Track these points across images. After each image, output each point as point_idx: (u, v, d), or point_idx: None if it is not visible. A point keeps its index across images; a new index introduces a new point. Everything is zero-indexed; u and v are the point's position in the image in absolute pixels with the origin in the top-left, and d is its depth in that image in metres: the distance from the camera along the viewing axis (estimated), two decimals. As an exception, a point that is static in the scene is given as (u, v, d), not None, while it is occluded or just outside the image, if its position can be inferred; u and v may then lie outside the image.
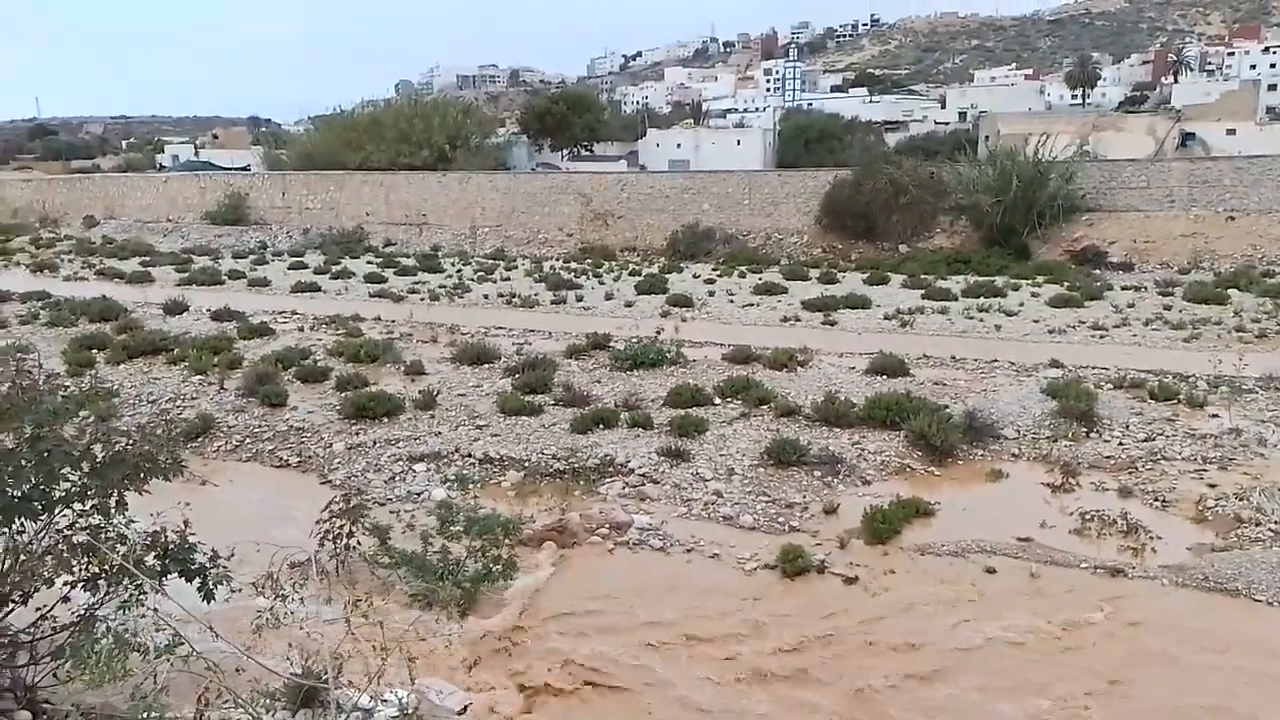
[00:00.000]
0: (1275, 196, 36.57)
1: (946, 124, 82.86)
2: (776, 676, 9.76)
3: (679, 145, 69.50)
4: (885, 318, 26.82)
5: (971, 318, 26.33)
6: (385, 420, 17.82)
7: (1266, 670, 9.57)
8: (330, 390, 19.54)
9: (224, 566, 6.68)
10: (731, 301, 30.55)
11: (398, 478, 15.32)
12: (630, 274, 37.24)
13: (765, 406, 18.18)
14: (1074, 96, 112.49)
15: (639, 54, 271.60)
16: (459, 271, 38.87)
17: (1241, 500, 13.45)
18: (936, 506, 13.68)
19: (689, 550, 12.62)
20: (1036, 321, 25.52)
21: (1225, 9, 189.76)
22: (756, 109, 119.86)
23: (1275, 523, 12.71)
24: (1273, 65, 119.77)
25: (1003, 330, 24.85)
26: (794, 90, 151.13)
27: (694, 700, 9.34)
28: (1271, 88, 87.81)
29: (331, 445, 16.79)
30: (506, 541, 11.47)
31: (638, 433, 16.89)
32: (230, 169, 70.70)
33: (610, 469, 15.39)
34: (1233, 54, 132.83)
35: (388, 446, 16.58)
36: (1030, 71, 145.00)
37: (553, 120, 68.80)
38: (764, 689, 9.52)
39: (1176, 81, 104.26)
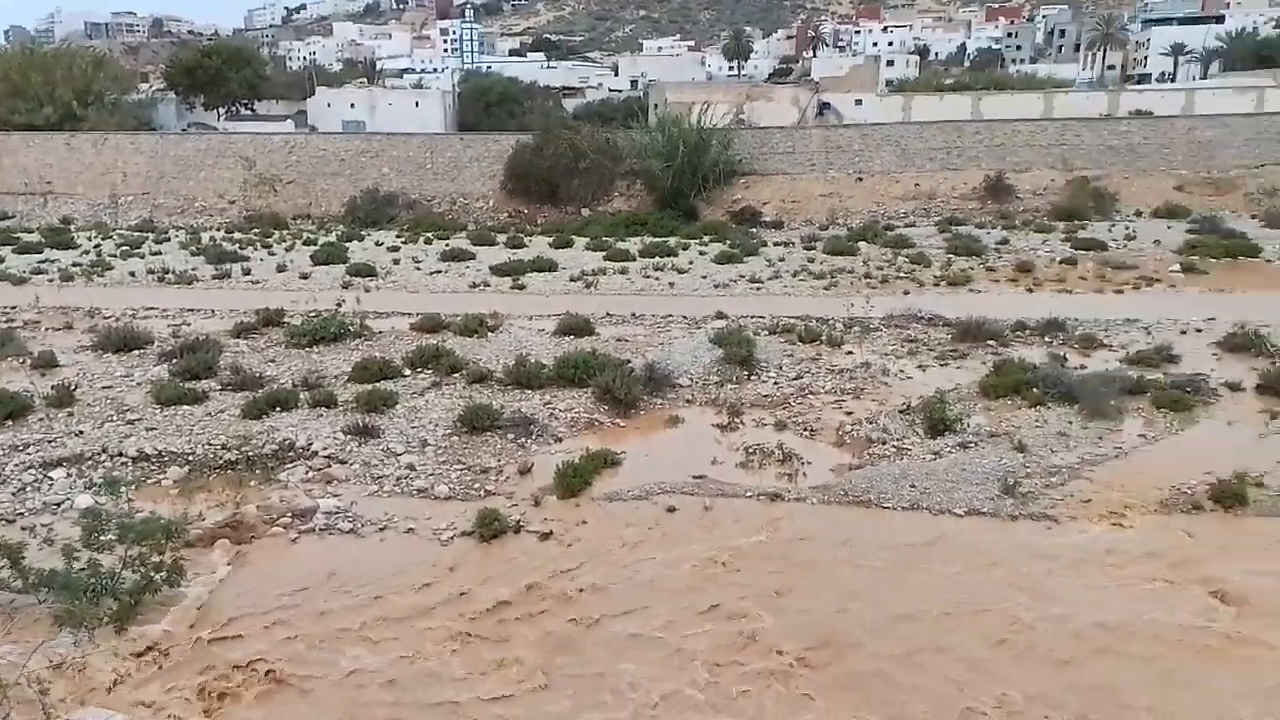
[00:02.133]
0: (893, 160, 42.30)
1: (620, 91, 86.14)
2: (477, 638, 9.86)
3: (353, 105, 66.04)
4: (571, 280, 27.61)
5: (648, 276, 27.87)
6: (8, 424, 15.40)
7: (886, 563, 11.25)
8: (-69, 394, 16.48)
9: None
10: (418, 269, 29.82)
11: (29, 488, 13.35)
12: (305, 243, 35.03)
13: (457, 374, 18.05)
14: (731, 68, 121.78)
15: (303, 6, 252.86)
16: (97, 247, 34.35)
17: (871, 424, 15.59)
18: (623, 456, 14.45)
19: (382, 529, 12.29)
20: (704, 277, 27.60)
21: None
22: (435, 70, 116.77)
23: (897, 441, 14.89)
24: (890, 44, 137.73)
25: (676, 287, 26.59)
26: (473, 52, 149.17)
27: (392, 677, 9.18)
28: (890, 63, 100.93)
29: (-62, 459, 14.21)
30: (170, 545, 10.42)
31: (320, 412, 16.06)
32: None
33: (291, 454, 14.52)
34: (859, 32, 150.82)
35: (14, 453, 14.36)
36: (693, 43, 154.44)
37: (205, 75, 62.36)
38: (464, 654, 9.58)
39: (815, 56, 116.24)
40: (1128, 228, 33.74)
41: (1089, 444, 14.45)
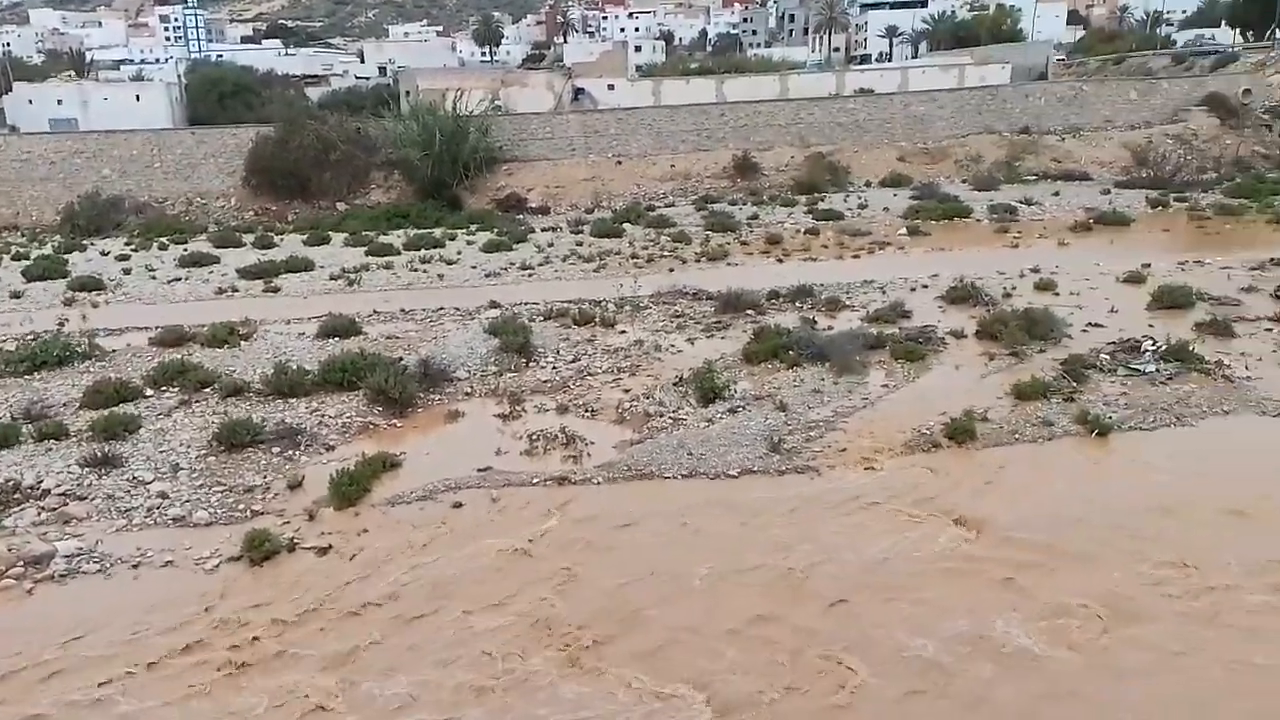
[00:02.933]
0: (649, 143, 43.59)
1: (368, 79, 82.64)
2: (257, 666, 9.22)
3: (61, 102, 58.72)
4: (331, 278, 26.27)
5: (416, 270, 27.06)
6: None
7: (672, 531, 11.67)
8: None
9: None
10: (154, 278, 27.23)
11: None
12: (15, 258, 30.94)
13: (208, 389, 16.71)
14: (483, 54, 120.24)
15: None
16: None
17: (648, 399, 16.06)
18: (403, 457, 13.99)
19: (136, 566, 11.16)
20: (474, 267, 27.20)
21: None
22: (157, 60, 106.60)
23: (673, 413, 15.44)
24: (637, 29, 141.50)
25: (446, 278, 26.02)
26: (199, 40, 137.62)
27: (161, 726, 8.39)
28: (638, 48, 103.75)
29: None
30: None
31: (50, 446, 14.33)
32: None
33: (16, 495, 12.83)
34: (606, 18, 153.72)
35: None
36: (441, 28, 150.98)
37: None
38: (243, 685, 8.93)
39: (566, 41, 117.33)
40: (860, 197, 36.82)
41: (841, 398, 15.69)
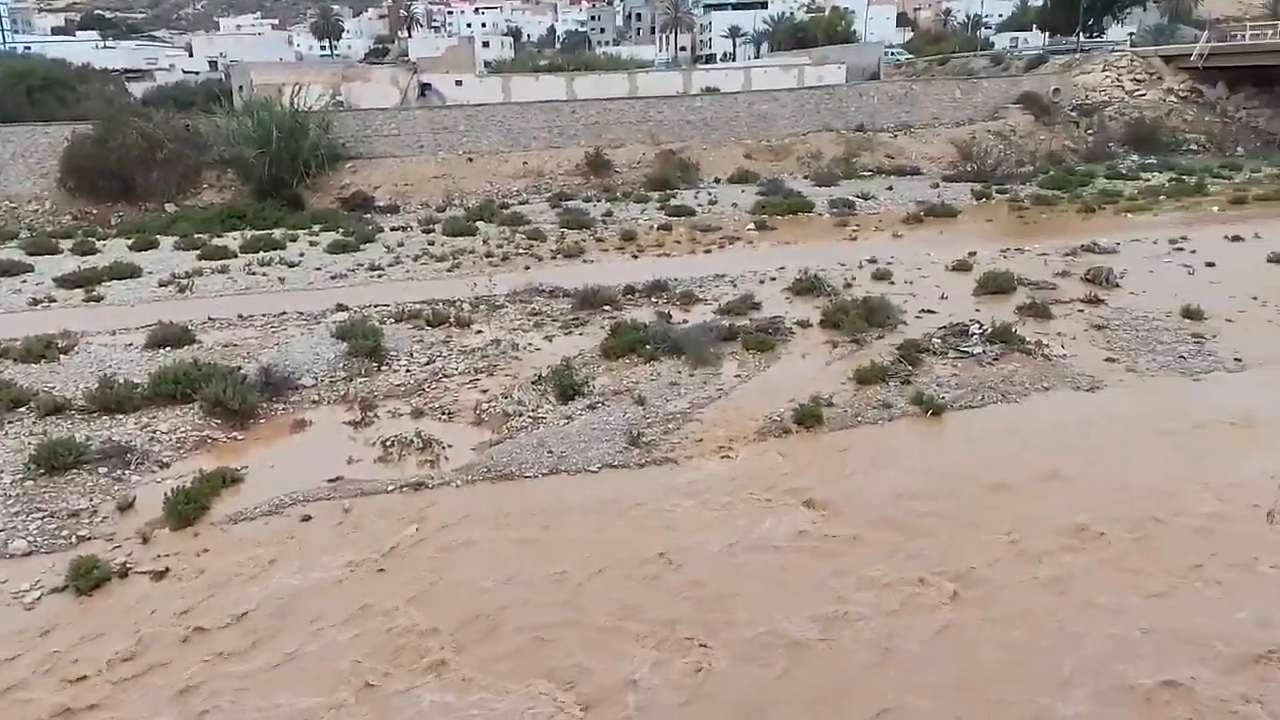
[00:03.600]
0: (500, 140, 43.05)
1: (197, 73, 78.03)
2: (87, 710, 8.55)
3: None
4: (161, 284, 24.62)
5: (254, 273, 25.74)
6: None
7: (534, 531, 11.61)
8: None
9: None
10: (-46, 291, 24.74)
11: None
12: None
13: (22, 408, 15.36)
14: (322, 47, 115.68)
15: None
16: None
17: (507, 398, 15.89)
18: (245, 471, 13.30)
19: (-60, 605, 10.13)
20: (319, 269, 26.12)
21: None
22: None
23: (532, 411, 15.35)
24: (484, 25, 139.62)
25: (288, 282, 24.87)
26: (2, 31, 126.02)
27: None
28: (485, 44, 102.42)
29: None
30: None
31: None
32: None
33: None
34: (452, 12, 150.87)
35: None
36: (276, 21, 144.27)
37: None
38: (71, 729, 8.27)
39: (410, 36, 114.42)
40: (710, 194, 37.66)
41: (697, 389, 16.02)
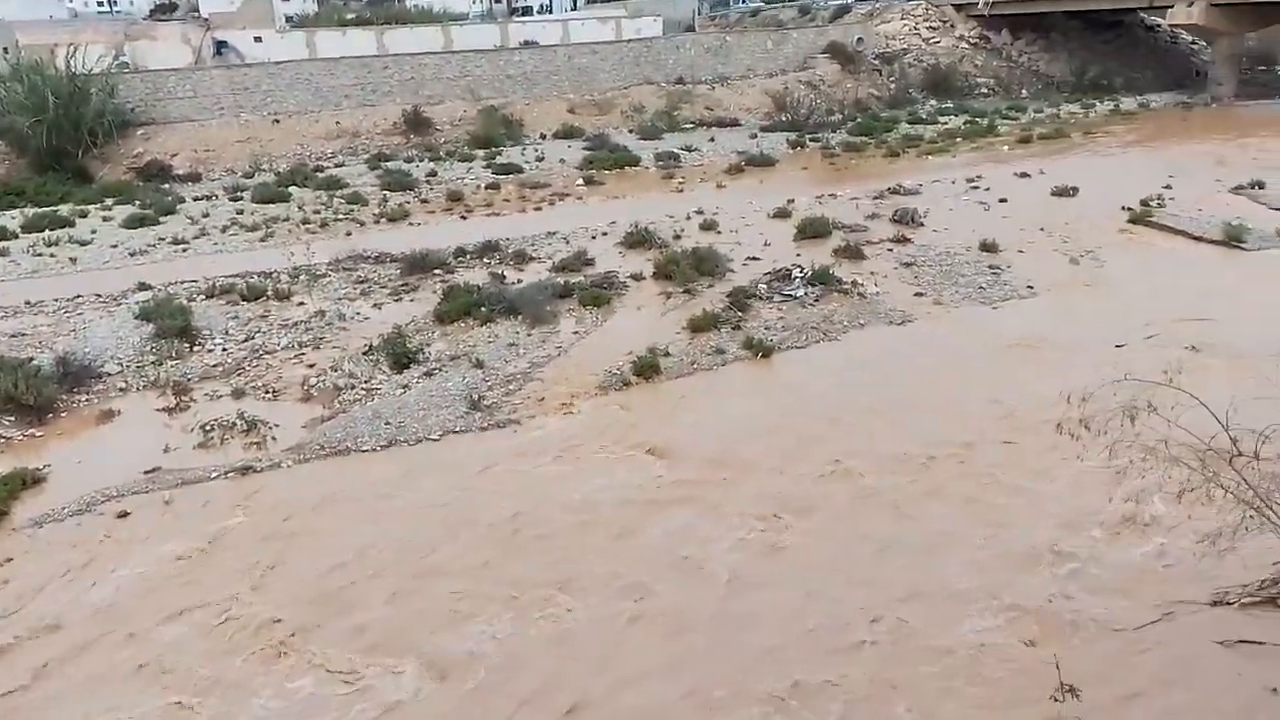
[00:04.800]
0: (309, 99, 40.66)
1: (-52, 31, 68.99)
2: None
3: None
4: (-74, 273, 21.94)
5: (40, 255, 23.34)
6: None
7: (377, 505, 11.32)
8: None
9: None
10: None
11: None
12: None
13: None
14: (100, 3, 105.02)
15: None
16: None
17: (337, 371, 15.27)
18: (47, 470, 12.26)
19: None
20: (115, 246, 23.99)
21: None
22: None
23: (365, 383, 14.83)
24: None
25: (80, 262, 22.72)
26: None
27: None
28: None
29: None
30: None
31: None
32: None
33: None
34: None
35: None
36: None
37: None
38: None
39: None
40: (537, 150, 37.17)
41: (535, 348, 15.96)
